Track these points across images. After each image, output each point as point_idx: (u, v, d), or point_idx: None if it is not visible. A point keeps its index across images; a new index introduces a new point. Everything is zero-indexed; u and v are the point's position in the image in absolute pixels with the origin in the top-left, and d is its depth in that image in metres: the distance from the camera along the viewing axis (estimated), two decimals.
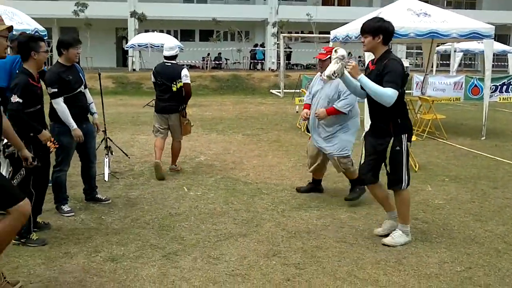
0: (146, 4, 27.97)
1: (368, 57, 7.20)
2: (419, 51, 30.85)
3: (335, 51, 4.47)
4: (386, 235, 4.63)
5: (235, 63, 31.41)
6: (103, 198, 5.75)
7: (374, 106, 4.47)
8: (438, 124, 10.80)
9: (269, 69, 30.03)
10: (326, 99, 5.71)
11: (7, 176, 4.07)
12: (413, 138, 8.10)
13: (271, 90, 23.14)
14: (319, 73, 6.02)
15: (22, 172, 4.05)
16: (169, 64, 6.90)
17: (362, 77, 4.29)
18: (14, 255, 4.23)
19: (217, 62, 31.23)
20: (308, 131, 6.22)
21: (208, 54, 30.56)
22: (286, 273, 3.93)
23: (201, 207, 5.60)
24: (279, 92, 21.43)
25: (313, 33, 28.34)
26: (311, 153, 6.08)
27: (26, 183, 4.17)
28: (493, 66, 30.02)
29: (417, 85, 18.64)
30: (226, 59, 31.83)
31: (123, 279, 3.82)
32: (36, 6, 24.65)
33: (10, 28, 3.55)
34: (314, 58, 5.93)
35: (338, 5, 35.76)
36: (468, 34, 10.25)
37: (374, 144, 4.57)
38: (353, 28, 11.12)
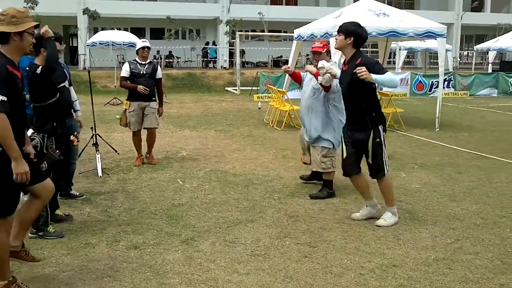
0: (96, 1, 27.54)
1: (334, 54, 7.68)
2: (373, 49, 31.79)
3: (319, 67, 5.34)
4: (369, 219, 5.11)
5: (186, 61, 31.47)
6: (78, 194, 5.86)
7: (351, 102, 4.91)
8: (397, 117, 11.53)
9: (221, 67, 30.30)
10: (313, 90, 6.06)
11: None
12: None
13: (226, 88, 23.44)
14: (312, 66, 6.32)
15: (44, 165, 4.22)
16: None
17: (374, 75, 4.61)
18: (35, 247, 4.39)
19: (168, 60, 31.17)
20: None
21: (158, 52, 30.53)
22: (302, 251, 4.33)
23: (201, 198, 5.90)
24: (235, 90, 21.77)
25: (264, 32, 28.89)
26: (303, 144, 6.46)
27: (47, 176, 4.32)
28: (431, 63, 31.64)
29: None
30: (178, 58, 31.83)
31: (153, 264, 4.09)
32: None
33: (37, 26, 3.70)
34: (311, 51, 6.26)
35: (286, 5, 36.51)
36: (423, 33, 11.02)
37: (354, 137, 4.97)
38: (318, 27, 11.66)
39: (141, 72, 7.28)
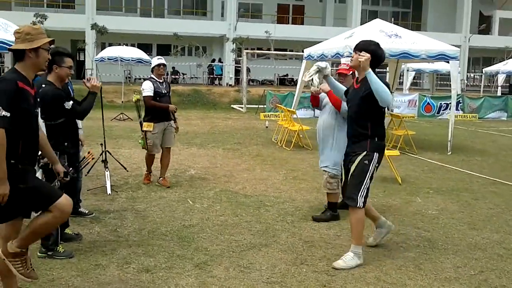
0: (104, 17, 27.71)
1: None
2: (380, 69, 31.80)
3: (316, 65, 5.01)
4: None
5: (192, 77, 31.49)
6: (87, 212, 5.70)
7: (357, 123, 4.58)
8: (408, 139, 11.39)
9: (227, 84, 30.30)
10: (331, 110, 5.89)
11: None
12: (395, 153, 8.62)
13: (232, 105, 23.36)
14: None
15: (56, 183, 4.08)
16: None
17: (370, 72, 4.37)
18: (44, 267, 4.23)
19: (173, 76, 31.20)
20: None
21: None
22: (320, 279, 4.15)
23: (212, 219, 5.73)
24: (241, 107, 21.68)
25: (270, 50, 28.93)
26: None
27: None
28: (438, 85, 31.53)
29: None
30: (183, 74, 31.86)
31: None
32: None
33: (52, 42, 3.61)
34: (336, 72, 6.11)
35: (292, 24, 36.66)
36: (436, 55, 10.93)
37: (350, 158, 4.63)
38: (328, 47, 11.58)
39: (163, 92, 7.07)
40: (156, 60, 7.20)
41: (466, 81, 36.42)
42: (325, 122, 5.97)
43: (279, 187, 7.39)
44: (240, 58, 30.20)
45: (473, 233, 5.51)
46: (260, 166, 9.01)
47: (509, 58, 27.36)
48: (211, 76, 31.42)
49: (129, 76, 27.17)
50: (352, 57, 4.71)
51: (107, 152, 7.14)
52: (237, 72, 31.69)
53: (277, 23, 33.49)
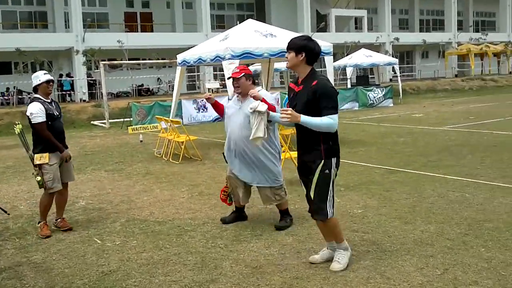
0: None
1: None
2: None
3: (250, 108, 4.52)
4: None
5: None
6: None
7: (305, 128, 4.14)
8: (292, 136, 11.32)
9: (80, 100, 28.10)
10: (247, 118, 5.29)
11: None
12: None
13: (92, 122, 21.62)
14: (235, 94, 5.72)
15: None
16: None
17: (304, 118, 4.00)
18: None
19: (19, 96, 28.10)
20: (226, 160, 5.78)
21: (8, 89, 27.72)
22: None
23: (134, 259, 4.83)
24: (104, 123, 20.14)
25: (124, 60, 27.41)
26: (234, 184, 5.71)
27: None
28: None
29: None
30: (29, 93, 28.86)
31: None
32: None
33: None
34: (228, 78, 5.63)
35: (142, 31, 35.37)
36: None
37: (307, 168, 4.29)
38: (206, 51, 11.04)
39: (55, 113, 5.75)
40: (44, 76, 5.75)
41: None
42: (242, 131, 5.40)
43: (190, 207, 6.66)
44: (93, 71, 28.28)
45: (409, 228, 5.38)
46: (156, 185, 8.14)
47: (350, 53, 29.32)
48: (62, 92, 28.93)
49: None
50: (287, 57, 4.25)
51: None
52: (90, 86, 29.61)
53: (127, 31, 31.91)
